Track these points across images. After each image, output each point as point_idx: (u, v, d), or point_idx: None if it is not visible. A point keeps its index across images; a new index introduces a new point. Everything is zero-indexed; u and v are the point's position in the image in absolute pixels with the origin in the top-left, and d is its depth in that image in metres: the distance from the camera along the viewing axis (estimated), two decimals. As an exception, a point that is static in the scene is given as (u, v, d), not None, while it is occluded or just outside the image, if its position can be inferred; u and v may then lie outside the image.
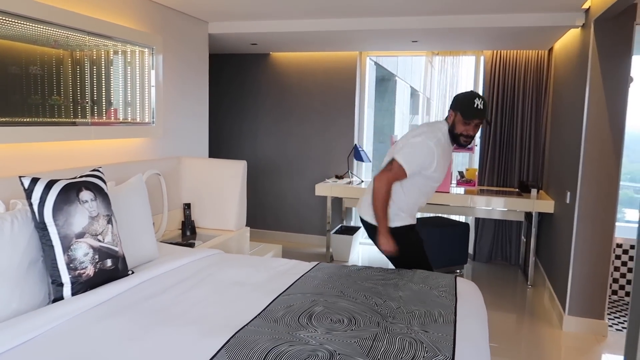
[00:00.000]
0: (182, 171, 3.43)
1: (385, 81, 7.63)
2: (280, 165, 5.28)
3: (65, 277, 1.78)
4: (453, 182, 4.53)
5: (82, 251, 1.83)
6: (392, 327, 1.62)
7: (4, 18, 2.17)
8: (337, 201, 5.00)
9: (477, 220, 4.84)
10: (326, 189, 4.51)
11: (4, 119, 2.21)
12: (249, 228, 3.51)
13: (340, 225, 5.05)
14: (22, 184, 1.80)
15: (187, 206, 3.27)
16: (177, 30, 3.54)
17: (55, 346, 1.44)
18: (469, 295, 2.04)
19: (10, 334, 1.46)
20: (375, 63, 6.11)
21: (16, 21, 2.24)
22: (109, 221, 1.96)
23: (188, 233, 3.20)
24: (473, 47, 4.63)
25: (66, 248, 1.79)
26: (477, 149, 4.84)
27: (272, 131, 5.28)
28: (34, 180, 1.81)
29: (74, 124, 2.61)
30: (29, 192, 1.79)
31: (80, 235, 1.83)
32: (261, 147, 5.32)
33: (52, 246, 1.78)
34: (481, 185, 4.72)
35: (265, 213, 5.35)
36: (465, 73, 5.02)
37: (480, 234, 4.86)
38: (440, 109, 5.04)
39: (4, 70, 2.23)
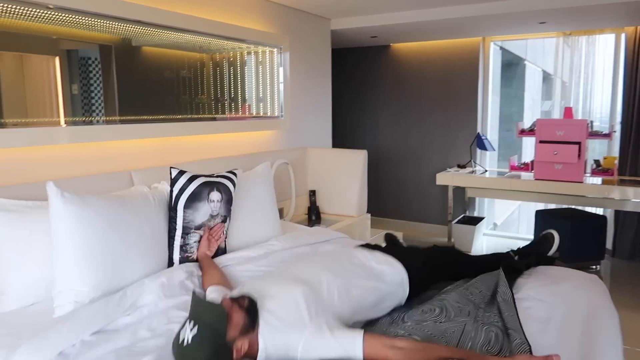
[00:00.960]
0: (308, 160, 3.67)
1: (512, 66, 7.22)
2: (402, 155, 5.33)
3: (177, 256, 2.07)
4: (587, 171, 4.20)
5: (194, 239, 2.11)
6: (482, 316, 1.63)
7: (158, 30, 2.55)
8: (460, 191, 4.91)
9: (617, 213, 4.43)
10: (447, 178, 4.47)
11: (161, 117, 2.60)
12: (369, 215, 3.64)
13: (462, 215, 4.96)
14: (170, 173, 2.12)
15: (313, 193, 3.51)
16: (301, 29, 3.78)
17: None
18: (577, 288, 1.94)
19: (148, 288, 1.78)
20: (501, 48, 5.84)
21: (168, 32, 2.61)
22: (224, 220, 2.21)
23: (313, 218, 3.43)
24: (611, 25, 4.22)
25: (184, 234, 2.08)
26: (616, 135, 4.42)
27: (393, 121, 5.35)
28: (181, 172, 2.12)
29: (214, 119, 2.96)
30: (174, 181, 2.10)
31: (198, 227, 2.11)
32: (383, 137, 5.41)
33: (175, 229, 2.07)
34: (622, 175, 4.31)
35: (386, 201, 5.44)
36: (602, 53, 4.59)
37: (620, 227, 4.44)
38: (578, 94, 4.67)
39: (160, 74, 2.61)
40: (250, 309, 1.43)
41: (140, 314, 1.64)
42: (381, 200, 5.44)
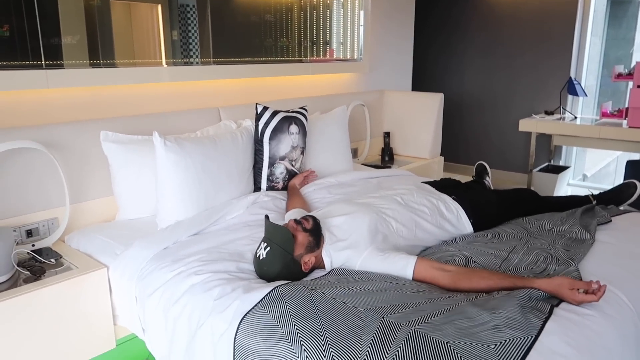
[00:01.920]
0: (385, 103, 3.78)
1: (623, 4, 6.57)
2: (485, 100, 5.22)
3: (264, 185, 2.33)
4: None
5: (280, 170, 2.35)
6: (533, 242, 1.72)
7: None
8: (545, 139, 4.76)
9: None
10: (531, 124, 4.36)
11: (249, 59, 2.84)
12: (442, 158, 3.72)
13: (547, 164, 4.82)
14: (256, 109, 2.37)
15: (387, 134, 3.64)
16: (384, -30, 3.79)
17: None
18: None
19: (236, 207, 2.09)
20: (608, -17, 5.35)
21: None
22: (302, 152, 2.44)
23: (387, 158, 3.58)
24: None
25: (270, 165, 2.33)
26: None
27: (478, 65, 5.21)
28: (265, 108, 2.36)
29: (296, 61, 3.15)
30: (259, 116, 2.35)
31: (282, 158, 2.35)
32: (466, 80, 5.31)
33: (262, 160, 2.32)
34: None
35: (466, 147, 5.40)
36: None
37: None
38: None
39: (249, 19, 2.83)
40: (313, 229, 1.67)
41: (228, 224, 1.96)
42: (460, 145, 5.40)
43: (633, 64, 3.89)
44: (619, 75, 4.06)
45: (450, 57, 5.36)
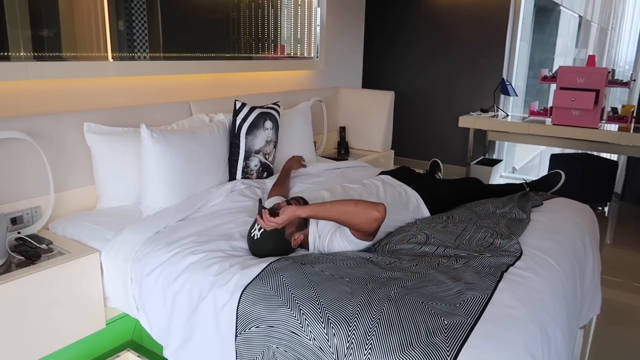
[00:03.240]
0: (340, 99, 4.02)
1: (547, 12, 7.20)
2: (429, 97, 5.60)
3: (239, 176, 2.50)
4: (604, 118, 4.43)
5: (254, 163, 2.53)
6: (481, 222, 2.02)
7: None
8: (481, 134, 5.21)
9: (629, 159, 4.69)
10: (469, 121, 4.77)
11: (203, 54, 2.88)
12: (393, 151, 4.02)
13: (482, 157, 5.28)
14: (235, 105, 2.51)
15: (343, 129, 3.88)
16: (339, -27, 4.01)
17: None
18: (567, 209, 2.32)
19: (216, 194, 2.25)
20: (535, -7, 5.88)
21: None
22: (275, 146, 2.63)
23: (342, 151, 3.83)
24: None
25: (246, 158, 2.50)
26: (635, 85, 4.59)
27: (422, 64, 5.58)
28: (243, 105, 2.51)
29: (253, 58, 3.30)
30: (237, 111, 2.50)
31: (257, 152, 2.53)
32: (412, 79, 5.67)
33: (238, 152, 2.48)
34: (639, 123, 4.52)
35: (411, 141, 5.78)
36: (632, 2, 4.67)
37: (631, 173, 4.71)
38: (619, 41, 4.75)
39: (202, 13, 2.84)
40: None
41: (211, 210, 2.12)
42: (406, 139, 5.77)
43: (555, 66, 4.37)
44: (545, 78, 4.54)
45: (397, 56, 5.70)
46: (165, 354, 1.71)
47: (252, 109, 2.50)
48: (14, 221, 2.02)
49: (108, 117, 2.33)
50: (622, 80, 4.33)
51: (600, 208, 4.54)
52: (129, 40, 2.47)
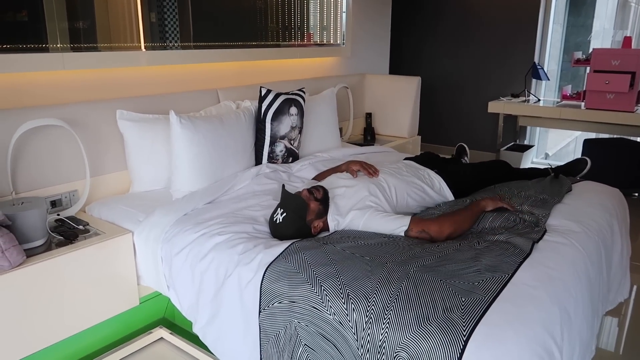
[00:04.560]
0: (366, 85, 4.03)
1: (583, -7, 6.97)
2: (458, 83, 5.53)
3: (265, 161, 2.54)
4: (640, 101, 4.28)
5: (280, 148, 2.58)
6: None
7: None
8: (512, 120, 5.12)
9: (669, 143, 4.52)
10: (499, 106, 4.69)
11: (232, 43, 2.96)
12: (420, 137, 4.01)
13: (512, 143, 5.19)
14: (260, 91, 2.56)
15: (369, 115, 3.89)
16: (365, -41, 4.00)
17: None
18: (595, 193, 2.28)
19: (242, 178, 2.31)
20: (569, -26, 5.70)
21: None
22: (300, 132, 2.66)
23: (369, 138, 3.84)
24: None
25: (271, 143, 2.54)
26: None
27: (451, 49, 5.50)
28: (268, 91, 2.56)
29: (285, 46, 3.35)
30: (262, 98, 2.55)
31: (282, 138, 2.57)
32: (441, 65, 5.60)
33: (264, 139, 2.53)
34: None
35: (440, 127, 5.72)
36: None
37: (671, 158, 4.54)
38: None
39: (231, 2, 2.96)
40: (323, 198, 1.93)
41: (237, 194, 2.19)
42: (435, 125, 5.72)
43: (591, 50, 4.25)
44: (578, 61, 4.42)
45: (425, 42, 5.64)
46: (195, 330, 1.79)
47: (277, 95, 2.54)
48: (53, 204, 2.13)
49: (139, 104, 2.42)
50: (660, 62, 4.16)
51: (637, 194, 4.41)
52: (161, 32, 2.56)
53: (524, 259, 1.58)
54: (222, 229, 1.82)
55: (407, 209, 2.07)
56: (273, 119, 2.52)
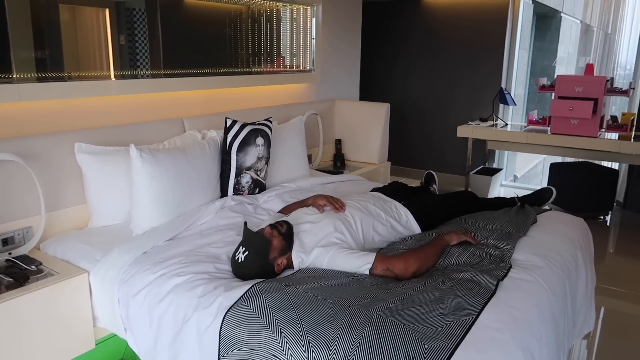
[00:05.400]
0: (336, 111, 4.03)
1: (547, 18, 7.19)
2: (427, 108, 5.60)
3: (230, 193, 2.49)
4: (603, 126, 4.40)
5: (246, 179, 2.53)
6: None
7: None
8: (481, 143, 5.19)
9: (631, 167, 4.65)
10: (468, 130, 4.75)
11: (203, 70, 2.93)
12: (389, 163, 4.02)
13: (482, 166, 5.26)
14: (225, 122, 2.52)
15: (339, 141, 3.88)
16: (334, -14, 4.04)
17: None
18: (558, 223, 2.29)
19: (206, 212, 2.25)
20: (533, 1, 5.87)
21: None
22: (267, 162, 2.63)
23: (338, 164, 3.83)
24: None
25: (237, 175, 2.50)
26: (635, 92, 4.57)
27: (421, 74, 5.58)
28: (234, 122, 2.52)
29: (254, 72, 3.33)
30: (228, 129, 2.50)
31: (249, 169, 2.53)
32: (410, 90, 5.67)
33: (229, 170, 2.48)
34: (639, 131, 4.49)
35: (410, 151, 5.77)
36: (632, 7, 4.65)
37: (633, 181, 4.67)
38: (620, 46, 4.71)
39: (200, 30, 2.92)
40: (287, 233, 1.89)
41: (200, 229, 2.13)
42: (405, 150, 5.77)
43: (557, 74, 4.35)
44: (543, 87, 4.53)
45: (395, 68, 5.71)
46: (152, 376, 1.71)
47: (243, 126, 2.51)
48: (5, 242, 2.03)
49: (101, 136, 2.35)
50: (621, 89, 4.30)
51: (602, 217, 4.50)
52: (131, 60, 2.54)
53: (489, 298, 1.56)
54: (181, 269, 1.76)
55: (373, 244, 2.04)
56: (239, 150, 2.48)
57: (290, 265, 1.86)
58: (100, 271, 1.87)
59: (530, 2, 5.76)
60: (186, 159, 2.28)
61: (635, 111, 4.58)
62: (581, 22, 7.46)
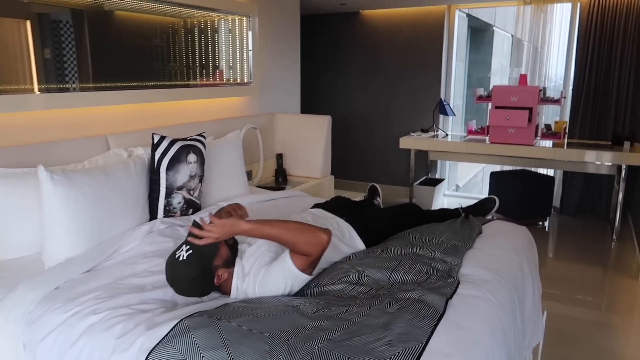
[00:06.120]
0: (276, 125, 3.89)
1: (481, 32, 7.43)
2: (369, 120, 5.58)
3: (161, 215, 2.29)
4: (538, 134, 4.52)
5: (177, 200, 2.34)
6: (416, 257, 1.90)
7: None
8: (423, 154, 5.21)
9: (565, 173, 4.80)
10: (410, 142, 4.75)
11: (135, 83, 2.77)
12: (333, 176, 3.92)
13: (424, 177, 5.28)
14: (152, 138, 2.32)
15: (280, 156, 3.74)
16: (270, -3, 3.93)
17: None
18: (504, 233, 2.26)
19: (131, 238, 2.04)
20: (468, 15, 6.03)
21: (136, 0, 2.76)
22: (200, 180, 2.44)
23: (280, 179, 3.69)
24: (568, -6, 4.46)
25: (168, 195, 2.30)
26: (566, 101, 4.74)
27: (362, 87, 5.56)
28: (162, 137, 2.32)
29: (186, 85, 3.14)
30: (155, 145, 2.30)
31: (180, 188, 2.33)
32: (351, 102, 5.64)
33: (158, 190, 2.28)
34: (571, 138, 4.66)
35: (353, 164, 5.72)
36: (560, 22, 4.85)
37: (567, 187, 4.82)
38: (549, 59, 4.89)
39: (133, 40, 2.75)
40: (234, 246, 1.76)
41: (124, 257, 1.91)
42: (349, 162, 5.71)
43: (492, 85, 4.43)
44: (480, 97, 4.60)
45: (337, 80, 5.66)
46: None
47: (172, 142, 2.32)
48: None
49: (10, 156, 2.10)
50: (553, 98, 4.44)
51: (540, 223, 4.61)
52: (57, 71, 2.35)
53: (439, 320, 1.46)
54: (98, 306, 1.54)
55: (317, 269, 1.89)
56: (169, 168, 2.29)
57: (228, 287, 1.70)
58: (2, 312, 1.62)
59: (465, 15, 5.91)
60: (107, 180, 2.06)
61: (567, 119, 4.76)
62: (512, 36, 7.76)
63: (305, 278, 1.66)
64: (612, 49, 4.44)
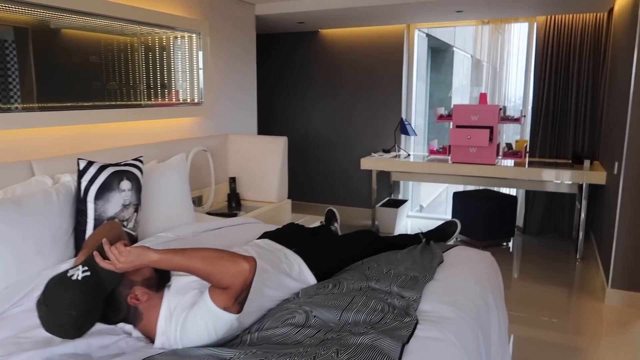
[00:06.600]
0: (229, 147, 3.68)
1: (441, 52, 7.47)
2: (329, 141, 5.44)
3: None
4: (500, 154, 4.46)
5: None
6: (371, 292, 1.72)
7: (65, 14, 2.47)
8: (385, 175, 5.09)
9: (528, 192, 4.76)
10: (371, 162, 4.62)
11: (75, 104, 2.54)
12: (290, 200, 3.72)
13: (387, 198, 5.15)
14: (78, 164, 2.09)
15: (233, 180, 3.53)
16: (224, 14, 3.76)
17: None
18: (467, 261, 2.12)
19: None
20: (427, 35, 6.02)
21: (75, 16, 2.54)
22: (136, 209, 2.21)
23: (233, 204, 3.46)
24: (525, 14, 4.47)
25: (97, 226, 2.04)
26: (526, 120, 4.72)
27: (321, 106, 5.43)
28: (90, 163, 2.09)
29: (135, 106, 2.91)
30: (82, 172, 2.07)
31: (111, 219, 2.09)
32: (311, 123, 5.49)
33: (86, 222, 2.04)
34: (532, 157, 4.62)
35: (314, 186, 5.55)
36: (517, 41, 4.87)
37: (530, 206, 4.77)
38: (508, 78, 4.91)
39: (78, 59, 2.56)
40: (163, 271, 1.49)
41: (33, 304, 1.64)
42: (309, 185, 5.54)
43: (452, 105, 4.37)
44: (441, 117, 4.53)
45: (296, 101, 5.51)
46: None
47: (102, 168, 2.09)
48: None
49: None
50: (513, 117, 4.40)
51: (505, 244, 4.52)
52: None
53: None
54: (-9, 367, 1.29)
55: (260, 311, 1.66)
56: (97, 197, 2.05)
57: (152, 322, 1.44)
58: None
59: (425, 35, 5.89)
60: (20, 212, 1.81)
61: (528, 138, 4.73)
62: (472, 56, 7.84)
63: (229, 318, 1.40)
64: (569, 68, 4.46)
